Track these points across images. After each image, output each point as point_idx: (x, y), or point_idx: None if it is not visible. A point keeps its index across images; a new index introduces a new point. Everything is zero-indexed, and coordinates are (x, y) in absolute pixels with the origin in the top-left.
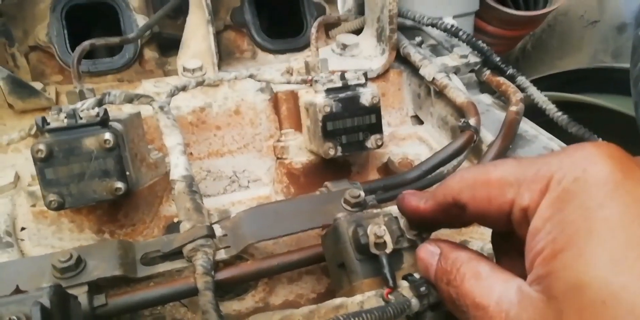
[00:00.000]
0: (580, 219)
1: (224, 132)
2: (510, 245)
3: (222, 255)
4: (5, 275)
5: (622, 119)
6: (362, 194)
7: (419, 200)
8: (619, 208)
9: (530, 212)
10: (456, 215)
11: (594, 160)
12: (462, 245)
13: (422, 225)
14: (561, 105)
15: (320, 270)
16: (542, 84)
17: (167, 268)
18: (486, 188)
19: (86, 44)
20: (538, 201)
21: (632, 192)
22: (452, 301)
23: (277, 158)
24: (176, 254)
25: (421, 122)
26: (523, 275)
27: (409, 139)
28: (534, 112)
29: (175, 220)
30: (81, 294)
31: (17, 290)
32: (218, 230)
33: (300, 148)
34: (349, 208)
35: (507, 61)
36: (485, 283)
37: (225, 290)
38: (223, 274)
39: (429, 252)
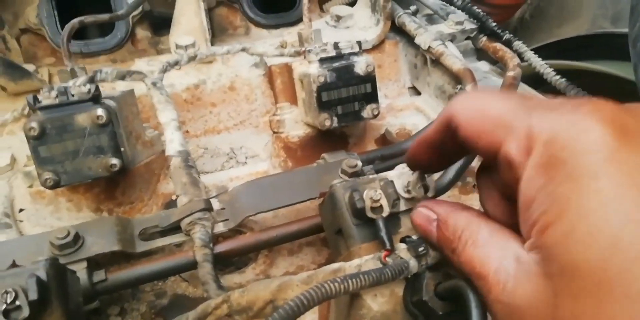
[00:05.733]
0: (570, 191)
1: (219, 109)
2: (494, 182)
3: (220, 228)
4: (2, 254)
5: (623, 85)
6: (359, 163)
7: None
8: (614, 179)
9: (514, 165)
10: (450, 138)
11: (588, 125)
12: (459, 205)
13: (427, 166)
14: (561, 73)
15: (320, 241)
16: (542, 52)
17: (165, 243)
18: (480, 119)
19: (75, 21)
20: (522, 159)
21: (628, 161)
22: (460, 269)
23: (274, 132)
24: (174, 228)
25: (418, 93)
26: (509, 219)
27: (407, 109)
28: (534, 83)
29: (174, 197)
30: (80, 270)
31: (14, 265)
32: (216, 204)
33: (297, 121)
34: (346, 178)
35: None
36: (484, 251)
37: (226, 264)
38: (222, 247)
39: (424, 218)
